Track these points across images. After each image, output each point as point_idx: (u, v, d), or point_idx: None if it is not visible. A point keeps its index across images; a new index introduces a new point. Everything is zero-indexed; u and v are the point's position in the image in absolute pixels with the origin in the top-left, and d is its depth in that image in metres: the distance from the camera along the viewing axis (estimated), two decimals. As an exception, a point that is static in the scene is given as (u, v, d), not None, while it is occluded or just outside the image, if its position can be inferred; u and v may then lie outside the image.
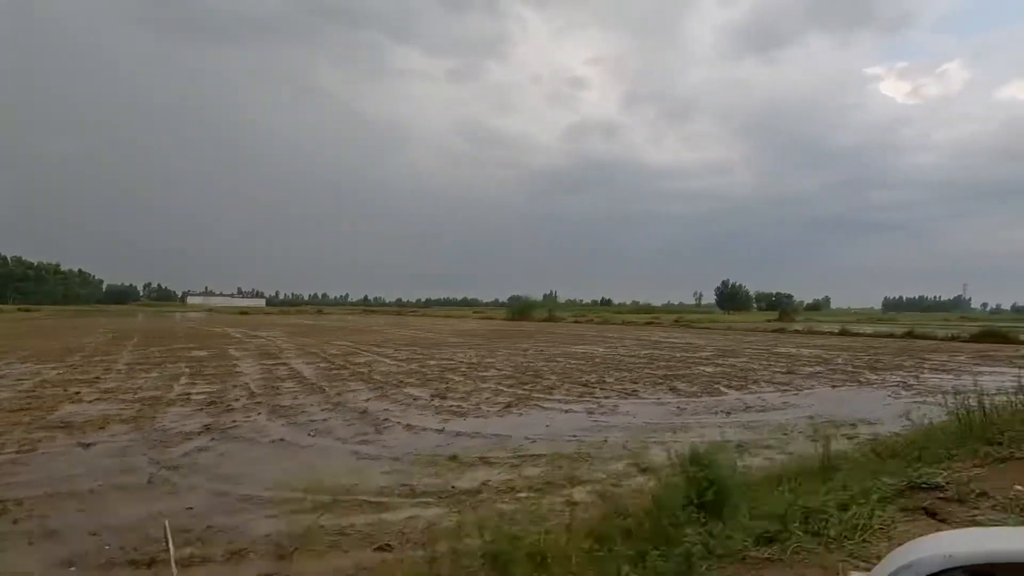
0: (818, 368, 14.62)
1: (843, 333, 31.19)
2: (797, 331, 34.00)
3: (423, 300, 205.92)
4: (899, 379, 12.52)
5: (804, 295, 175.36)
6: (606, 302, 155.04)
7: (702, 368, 14.33)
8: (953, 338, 26.62)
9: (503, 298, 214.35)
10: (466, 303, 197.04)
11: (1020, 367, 16.22)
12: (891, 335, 29.33)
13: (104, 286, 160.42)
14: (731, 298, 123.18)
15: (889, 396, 10.20)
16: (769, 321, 57.96)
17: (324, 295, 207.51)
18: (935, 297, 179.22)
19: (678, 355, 18.11)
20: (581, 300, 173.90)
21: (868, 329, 34.00)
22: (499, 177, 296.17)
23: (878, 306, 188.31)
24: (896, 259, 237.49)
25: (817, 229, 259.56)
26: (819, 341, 26.17)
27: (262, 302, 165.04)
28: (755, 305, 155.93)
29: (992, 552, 0.66)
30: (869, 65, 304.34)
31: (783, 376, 12.90)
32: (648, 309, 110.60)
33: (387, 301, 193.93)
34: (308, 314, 77.33)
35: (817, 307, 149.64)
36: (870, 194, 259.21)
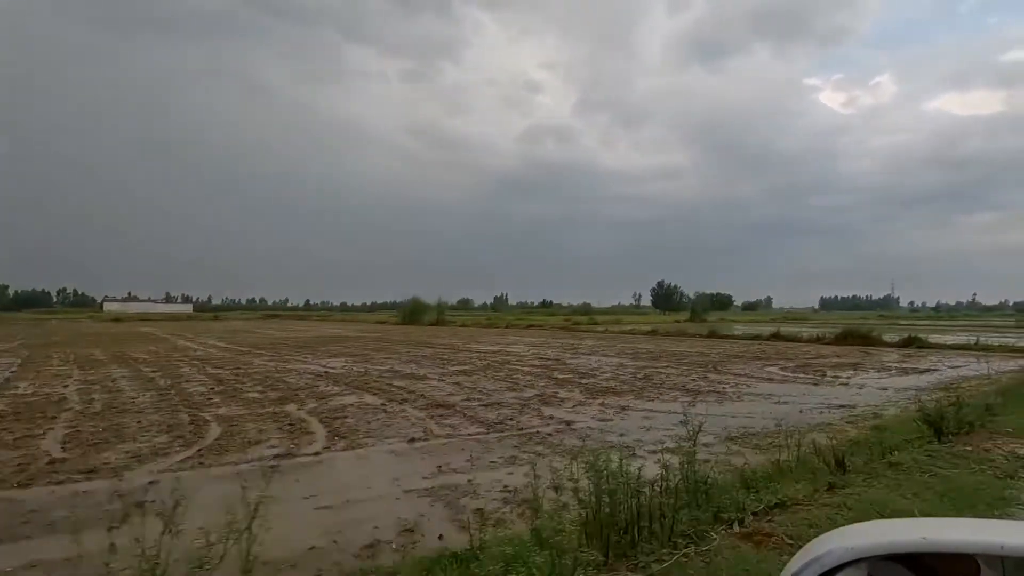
0: (526, 393, 9.99)
1: (711, 335, 27.28)
2: (668, 334, 30.01)
3: (368, 304, 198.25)
4: (573, 418, 7.96)
5: (749, 295, 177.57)
6: (547, 304, 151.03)
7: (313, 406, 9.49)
8: (817, 339, 22.94)
9: (452, 300, 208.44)
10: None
11: (818, 383, 12.14)
12: (757, 336, 25.53)
13: (11, 292, 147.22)
14: (667, 299, 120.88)
15: (435, 472, 5.52)
16: (677, 322, 54.59)
17: (263, 300, 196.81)
18: (867, 296, 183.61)
19: (402, 374, 13.33)
20: (532, 302, 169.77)
21: (740, 330, 30.39)
22: (455, 179, 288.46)
23: (817, 305, 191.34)
24: (834, 261, 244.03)
25: (763, 232, 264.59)
26: (671, 347, 21.97)
27: (188, 307, 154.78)
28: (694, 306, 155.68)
29: (892, 543, 0.69)
30: (808, 76, 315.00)
31: (408, 413, 8.16)
32: (585, 311, 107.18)
33: (334, 305, 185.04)
34: (201, 320, 70.09)
35: (755, 307, 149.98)
36: (811, 199, 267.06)
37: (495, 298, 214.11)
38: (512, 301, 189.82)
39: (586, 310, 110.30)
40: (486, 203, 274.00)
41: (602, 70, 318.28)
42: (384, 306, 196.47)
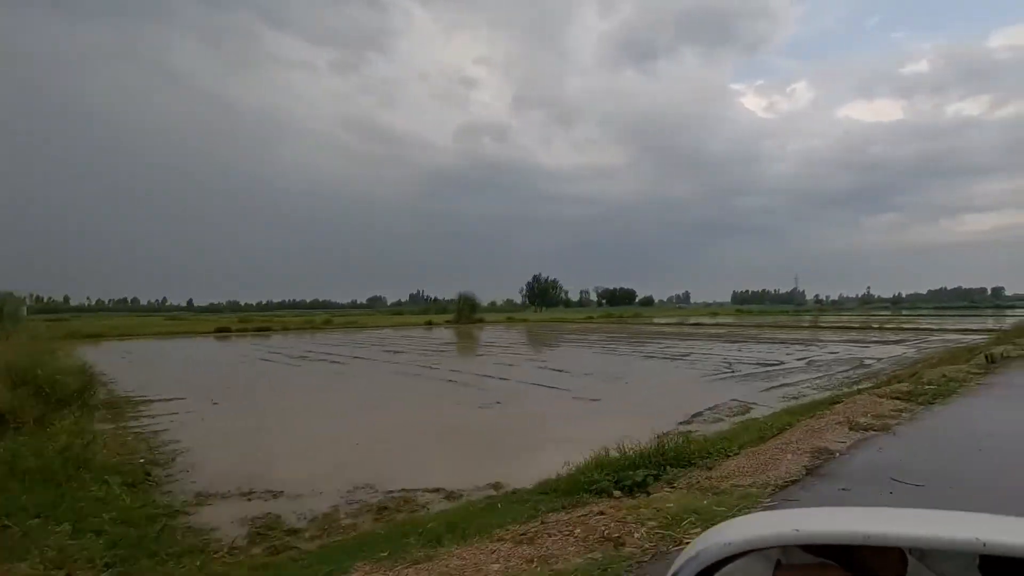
0: None
1: None
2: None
3: (265, 302, 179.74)
4: None
5: (671, 292, 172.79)
6: (433, 300, 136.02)
7: None
8: None
9: (362, 299, 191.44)
10: (316, 305, 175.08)
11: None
12: None
13: None
14: (542, 295, 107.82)
15: None
16: (430, 324, 40.66)
17: (135, 299, 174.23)
18: (775, 291, 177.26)
19: None
20: (444, 298, 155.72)
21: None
22: (389, 174, 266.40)
23: (729, 300, 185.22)
24: (754, 258, 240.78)
25: (691, 232, 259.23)
26: None
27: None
28: (596, 301, 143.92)
29: (764, 537, 0.69)
30: (733, 81, 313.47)
31: None
32: (425, 310, 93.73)
33: (231, 303, 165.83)
34: None
35: (649, 303, 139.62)
36: (737, 199, 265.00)
37: (410, 295, 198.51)
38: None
39: (425, 310, 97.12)
40: (421, 199, 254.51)
41: (537, 68, 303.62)
42: (280, 306, 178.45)
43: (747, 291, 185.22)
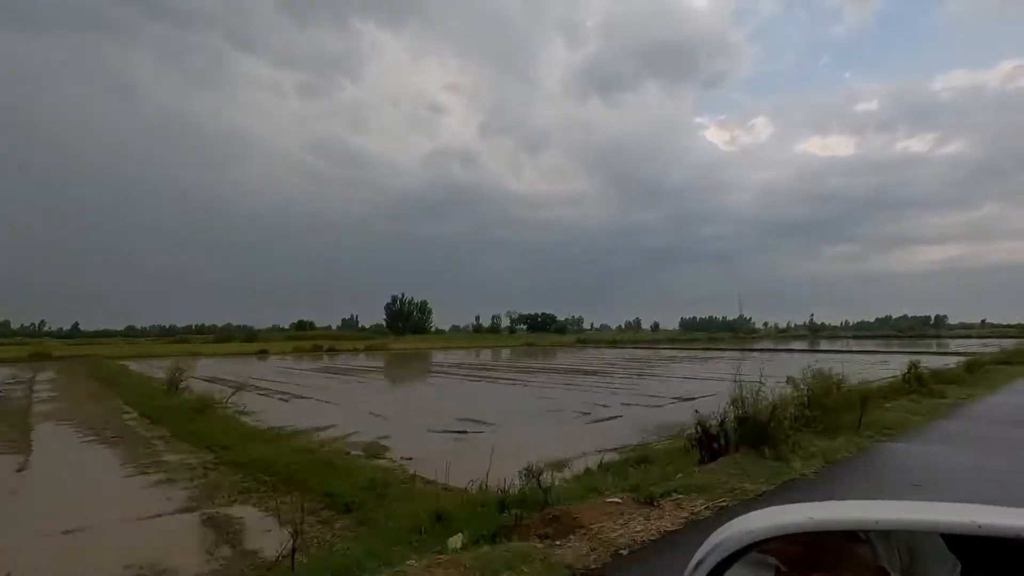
0: None
1: None
2: None
3: (169, 326, 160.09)
4: None
5: (625, 318, 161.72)
6: (353, 323, 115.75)
7: None
8: None
9: (285, 323, 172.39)
10: (241, 328, 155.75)
11: None
12: None
13: None
14: (405, 317, 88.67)
15: None
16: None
17: (6, 322, 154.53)
18: (723, 317, 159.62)
19: None
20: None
21: None
22: (356, 198, 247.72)
23: (678, 326, 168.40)
24: (706, 285, 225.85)
25: (653, 258, 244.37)
26: None
27: None
28: (510, 327, 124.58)
29: (782, 524, 0.73)
30: (696, 114, 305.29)
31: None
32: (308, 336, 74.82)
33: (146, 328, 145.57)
34: None
35: (563, 329, 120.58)
36: (698, 228, 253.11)
37: (343, 320, 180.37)
38: (367, 323, 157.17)
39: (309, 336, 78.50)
40: (384, 223, 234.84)
41: (505, 96, 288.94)
42: (211, 329, 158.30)
43: (694, 317, 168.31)
